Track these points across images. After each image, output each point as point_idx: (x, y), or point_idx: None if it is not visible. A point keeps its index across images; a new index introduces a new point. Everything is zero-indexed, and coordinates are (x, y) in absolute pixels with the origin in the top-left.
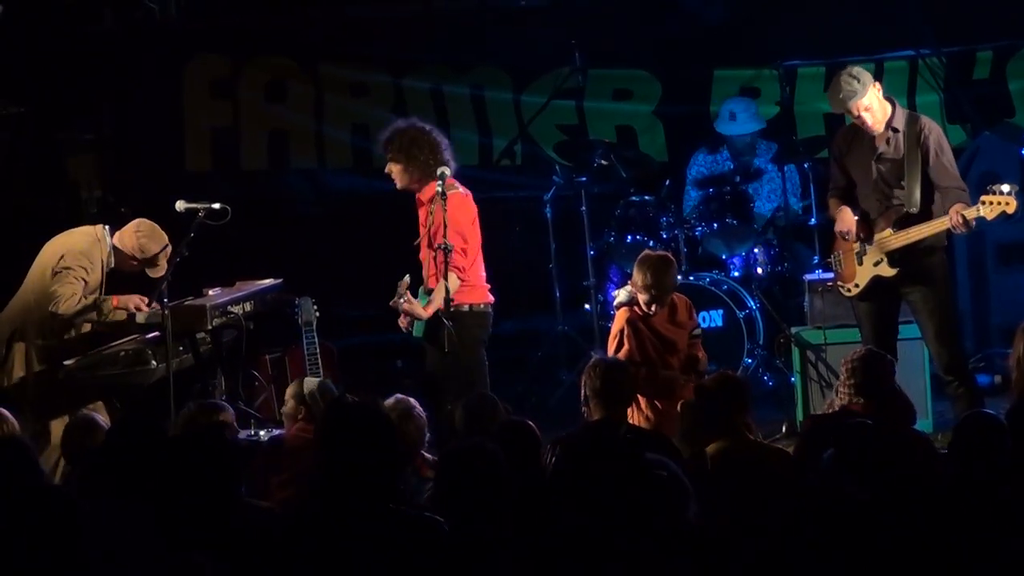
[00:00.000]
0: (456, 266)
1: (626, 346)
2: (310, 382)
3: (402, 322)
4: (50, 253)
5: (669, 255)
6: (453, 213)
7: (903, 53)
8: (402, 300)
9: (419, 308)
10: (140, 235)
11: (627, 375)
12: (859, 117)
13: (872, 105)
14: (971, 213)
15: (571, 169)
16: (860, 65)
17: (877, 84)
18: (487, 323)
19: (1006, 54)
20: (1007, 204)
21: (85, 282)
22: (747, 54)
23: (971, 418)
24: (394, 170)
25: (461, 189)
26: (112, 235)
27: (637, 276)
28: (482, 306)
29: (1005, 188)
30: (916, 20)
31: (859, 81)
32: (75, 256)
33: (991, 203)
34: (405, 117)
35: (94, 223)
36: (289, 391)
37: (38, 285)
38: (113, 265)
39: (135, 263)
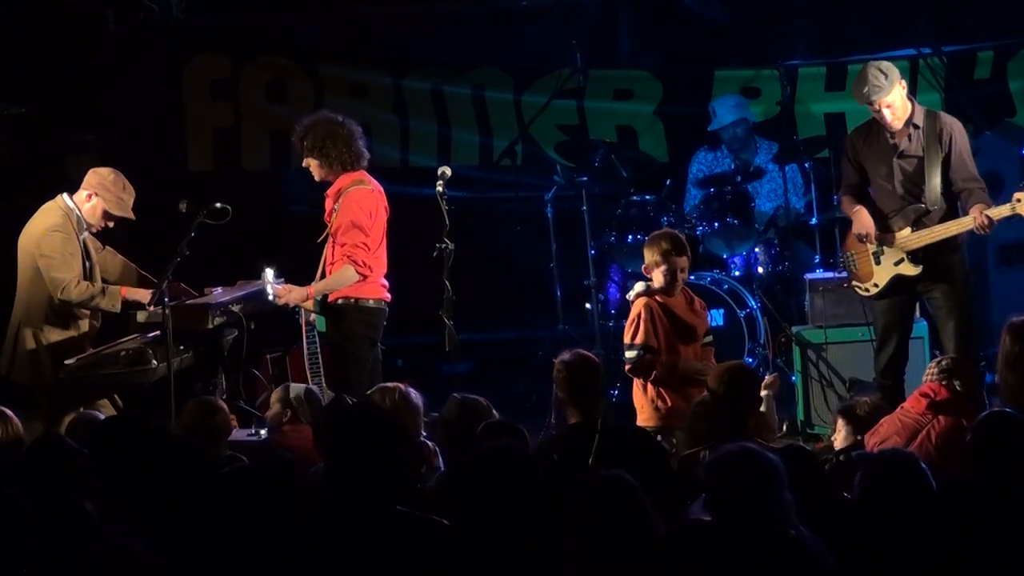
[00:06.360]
0: (355, 260)
1: (641, 329)
2: (296, 387)
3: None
4: (26, 246)
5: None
6: (351, 206)
7: (904, 53)
8: (272, 293)
9: (299, 291)
10: (111, 191)
11: (597, 372)
12: (879, 112)
13: (895, 102)
14: (997, 213)
15: (572, 169)
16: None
17: (903, 81)
18: (375, 320)
19: (1007, 54)
20: None
21: (74, 255)
22: (748, 54)
23: (991, 417)
24: (311, 165)
25: (371, 185)
26: (71, 199)
27: (650, 253)
28: (371, 302)
29: None
30: (917, 20)
31: (886, 77)
32: (50, 236)
33: None
34: (321, 110)
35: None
36: (274, 396)
37: (28, 276)
38: (89, 230)
39: (110, 224)
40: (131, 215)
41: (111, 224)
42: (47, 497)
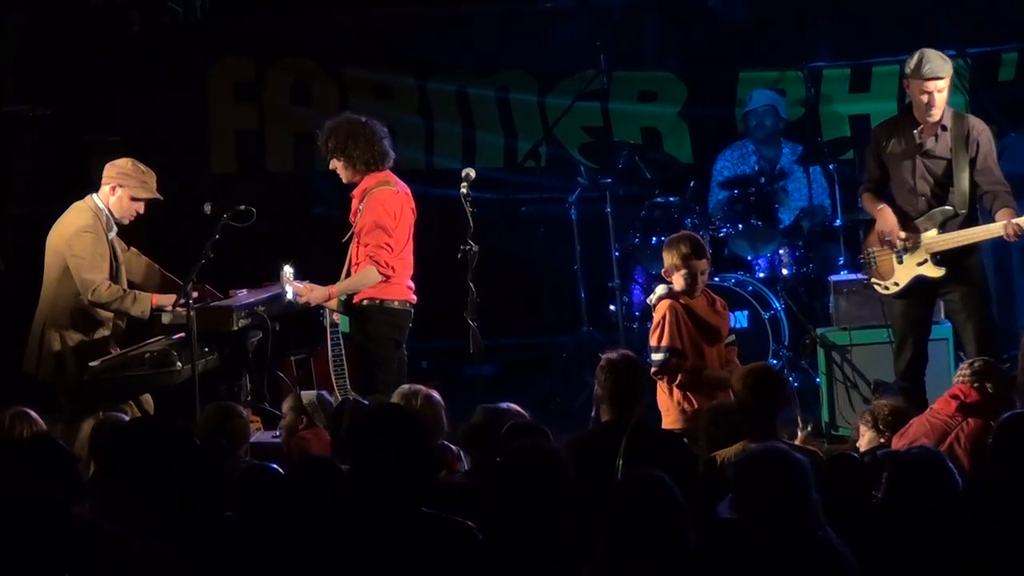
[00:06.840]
0: (377, 260)
1: (666, 332)
2: (307, 394)
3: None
4: (55, 244)
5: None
6: (375, 207)
7: None
8: (292, 290)
9: (321, 291)
10: (132, 176)
11: (639, 376)
12: (929, 94)
13: (945, 90)
14: None
15: (596, 171)
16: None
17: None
18: (400, 321)
19: None
20: None
21: (103, 256)
22: (772, 56)
23: (1012, 419)
24: (337, 167)
25: (396, 186)
26: (99, 199)
27: (670, 256)
28: (396, 304)
29: None
30: (941, 21)
31: (946, 63)
32: (81, 236)
33: None
34: (344, 112)
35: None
36: (286, 404)
37: (54, 275)
38: (120, 223)
39: (140, 210)
40: (158, 195)
41: (141, 210)
42: (43, 497)
